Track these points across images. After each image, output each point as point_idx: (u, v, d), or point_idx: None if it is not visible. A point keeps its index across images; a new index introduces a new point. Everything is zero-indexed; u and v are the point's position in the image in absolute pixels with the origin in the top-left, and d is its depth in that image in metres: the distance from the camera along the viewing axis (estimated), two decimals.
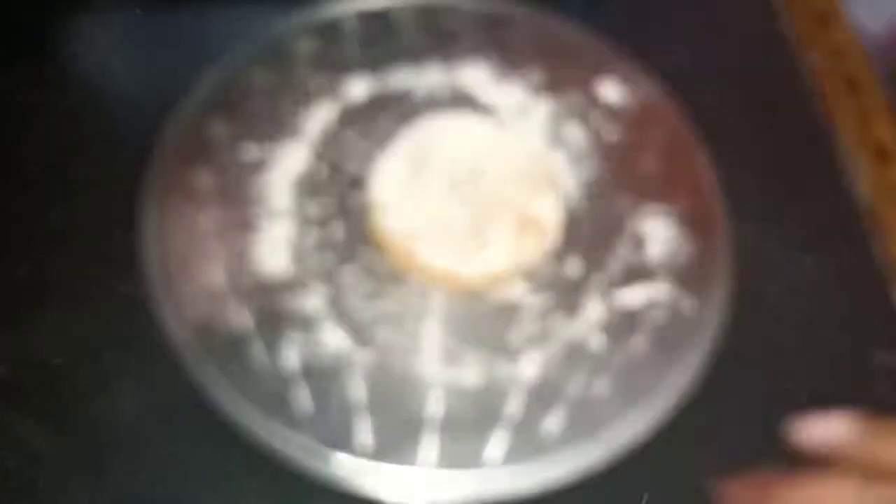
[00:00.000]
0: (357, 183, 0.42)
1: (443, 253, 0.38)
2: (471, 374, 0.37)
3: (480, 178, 0.41)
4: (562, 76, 0.47)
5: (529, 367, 0.38)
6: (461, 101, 0.46)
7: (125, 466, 0.35)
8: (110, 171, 0.42)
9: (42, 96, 0.45)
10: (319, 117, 0.44)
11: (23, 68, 0.46)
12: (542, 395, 0.37)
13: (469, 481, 0.34)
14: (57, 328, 0.38)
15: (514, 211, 0.40)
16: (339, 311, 0.38)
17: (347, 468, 0.34)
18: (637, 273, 0.41)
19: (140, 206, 0.39)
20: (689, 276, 0.41)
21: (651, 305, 0.40)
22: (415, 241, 0.38)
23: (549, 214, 0.40)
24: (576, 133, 0.45)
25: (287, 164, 0.42)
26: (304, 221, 0.41)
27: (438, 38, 0.48)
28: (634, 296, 0.40)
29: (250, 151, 0.42)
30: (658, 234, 0.42)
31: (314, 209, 0.41)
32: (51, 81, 0.46)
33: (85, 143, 0.44)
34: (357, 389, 0.36)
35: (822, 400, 0.39)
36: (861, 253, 0.44)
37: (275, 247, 0.40)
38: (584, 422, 0.36)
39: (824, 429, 0.28)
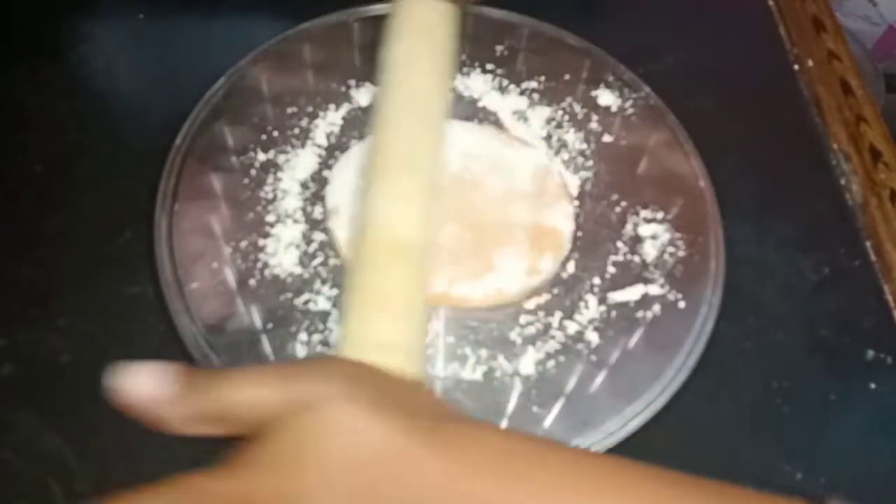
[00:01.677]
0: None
1: (437, 278, 0.36)
2: (472, 370, 0.38)
3: (478, 189, 0.39)
4: (560, 82, 0.48)
5: (529, 363, 0.38)
6: (462, 106, 0.46)
7: (131, 466, 0.35)
8: (116, 172, 0.43)
9: (47, 97, 0.45)
10: (326, 123, 0.45)
11: (27, 69, 0.46)
12: (542, 391, 0.37)
13: None
14: (63, 327, 0.38)
15: (524, 224, 0.38)
16: None
17: None
18: (633, 273, 0.41)
19: (151, 208, 0.40)
20: (683, 276, 0.41)
21: (646, 305, 0.40)
22: None
23: (565, 223, 0.38)
24: (573, 138, 0.46)
25: (295, 169, 0.43)
26: (312, 224, 0.41)
27: None
28: (630, 295, 0.41)
29: (259, 156, 0.43)
30: (653, 235, 0.43)
31: (321, 212, 0.42)
32: (56, 83, 0.46)
33: (90, 145, 0.44)
34: None
35: (817, 397, 0.39)
36: (854, 253, 0.44)
37: (283, 248, 0.40)
38: (581, 416, 0.37)
39: (142, 380, 0.23)
